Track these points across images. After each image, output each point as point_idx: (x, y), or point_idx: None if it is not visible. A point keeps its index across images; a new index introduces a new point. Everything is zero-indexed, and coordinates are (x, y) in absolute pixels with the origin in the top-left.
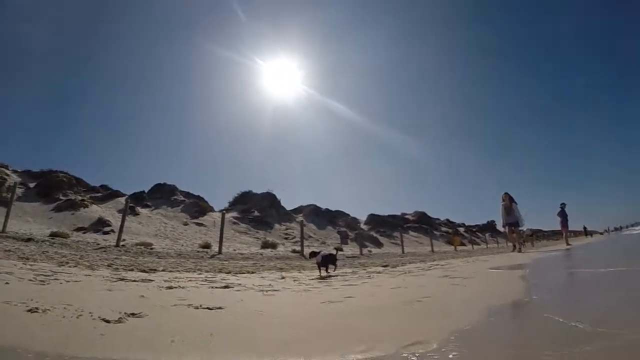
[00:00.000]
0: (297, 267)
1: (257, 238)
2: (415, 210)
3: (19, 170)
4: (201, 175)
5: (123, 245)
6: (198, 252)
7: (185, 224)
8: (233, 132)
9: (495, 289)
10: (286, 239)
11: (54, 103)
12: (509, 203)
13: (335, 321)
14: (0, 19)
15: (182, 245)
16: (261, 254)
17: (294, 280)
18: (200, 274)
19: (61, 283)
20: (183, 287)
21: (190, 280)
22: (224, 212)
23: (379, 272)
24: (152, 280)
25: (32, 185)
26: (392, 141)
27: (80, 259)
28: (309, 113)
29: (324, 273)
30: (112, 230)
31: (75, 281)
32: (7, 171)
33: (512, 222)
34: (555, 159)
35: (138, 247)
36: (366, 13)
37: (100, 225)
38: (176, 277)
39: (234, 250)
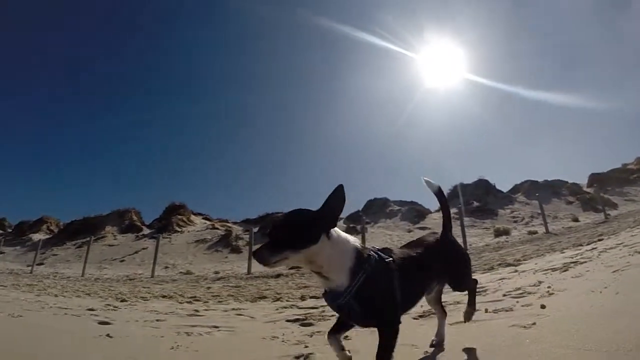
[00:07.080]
0: None
1: (486, 228)
2: (637, 156)
3: (238, 221)
4: (403, 180)
5: None
6: None
7: (409, 230)
8: (415, 131)
9: None
10: (515, 222)
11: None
12: None
13: None
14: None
15: None
16: (507, 241)
17: None
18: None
19: None
20: None
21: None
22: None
23: None
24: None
25: (255, 229)
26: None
27: None
28: (482, 100)
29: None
30: None
31: None
32: (228, 224)
33: None
34: None
35: None
36: None
37: None
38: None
39: (469, 245)
